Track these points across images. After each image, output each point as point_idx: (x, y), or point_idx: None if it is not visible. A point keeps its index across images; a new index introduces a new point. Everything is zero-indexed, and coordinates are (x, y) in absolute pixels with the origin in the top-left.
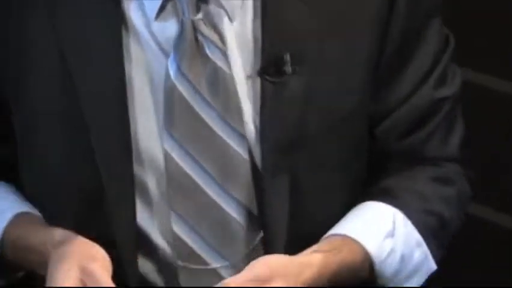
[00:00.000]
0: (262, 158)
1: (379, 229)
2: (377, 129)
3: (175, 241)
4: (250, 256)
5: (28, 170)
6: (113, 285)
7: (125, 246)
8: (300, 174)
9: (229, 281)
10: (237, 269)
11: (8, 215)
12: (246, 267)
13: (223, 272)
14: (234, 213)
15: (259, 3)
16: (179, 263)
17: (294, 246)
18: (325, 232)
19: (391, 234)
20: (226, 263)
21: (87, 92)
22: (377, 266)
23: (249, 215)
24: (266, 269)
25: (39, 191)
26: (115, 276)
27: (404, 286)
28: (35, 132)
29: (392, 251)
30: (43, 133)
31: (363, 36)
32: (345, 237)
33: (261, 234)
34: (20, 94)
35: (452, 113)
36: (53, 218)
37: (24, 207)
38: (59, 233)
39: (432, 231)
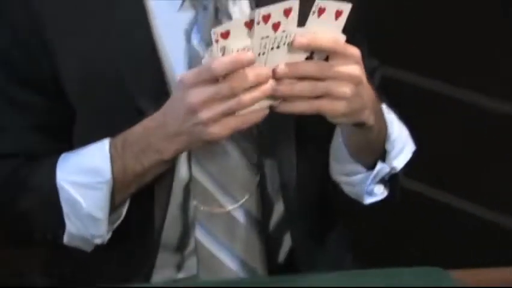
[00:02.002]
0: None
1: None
2: None
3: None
4: (252, 198)
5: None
6: None
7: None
8: (301, 125)
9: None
10: (244, 208)
11: (105, 140)
12: None
13: (234, 213)
14: (238, 157)
15: None
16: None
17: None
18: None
19: (389, 112)
20: (236, 205)
21: (131, 74)
22: (389, 128)
23: (249, 160)
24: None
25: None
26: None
27: (400, 156)
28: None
29: (392, 119)
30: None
31: None
32: None
33: (258, 178)
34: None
35: (379, 83)
36: None
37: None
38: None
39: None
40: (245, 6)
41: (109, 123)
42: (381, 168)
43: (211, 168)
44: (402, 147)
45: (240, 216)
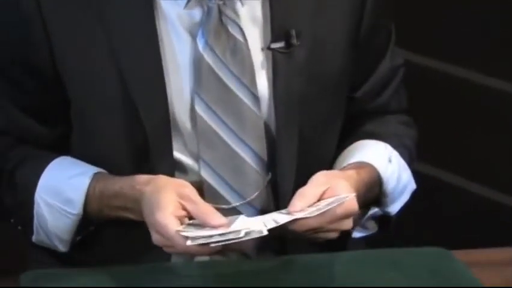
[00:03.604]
0: (276, 114)
1: (381, 156)
2: (358, 93)
3: (204, 184)
4: (262, 195)
5: (83, 142)
6: (206, 204)
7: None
8: (305, 126)
9: (304, 191)
10: (252, 205)
11: (90, 174)
12: (309, 183)
13: (241, 209)
14: (250, 160)
15: None
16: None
17: (300, 185)
18: (325, 169)
19: (390, 160)
20: (244, 201)
21: (131, 71)
22: (384, 185)
23: (261, 161)
24: (324, 177)
25: (94, 157)
26: None
27: (397, 202)
28: (93, 114)
29: (392, 172)
30: (100, 114)
31: (342, 21)
32: (360, 163)
33: (270, 176)
34: (78, 84)
35: (402, 79)
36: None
37: (96, 168)
38: (142, 176)
39: (408, 160)
40: (257, 8)
41: (104, 121)
42: (374, 212)
43: (220, 171)
44: (399, 195)
45: (245, 211)
